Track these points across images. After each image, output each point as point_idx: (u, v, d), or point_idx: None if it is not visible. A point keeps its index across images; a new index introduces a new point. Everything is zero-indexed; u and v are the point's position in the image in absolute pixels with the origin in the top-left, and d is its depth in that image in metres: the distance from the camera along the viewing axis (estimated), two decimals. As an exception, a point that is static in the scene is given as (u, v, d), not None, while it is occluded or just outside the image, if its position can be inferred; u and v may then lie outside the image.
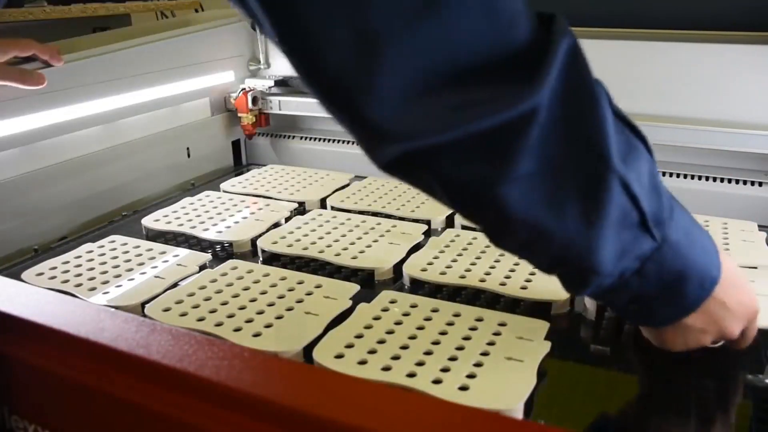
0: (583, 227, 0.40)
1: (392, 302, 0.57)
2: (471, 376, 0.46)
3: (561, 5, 0.43)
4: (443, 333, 0.52)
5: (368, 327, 0.53)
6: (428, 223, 0.79)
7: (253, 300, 0.59)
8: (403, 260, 0.67)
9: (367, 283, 0.65)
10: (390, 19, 0.35)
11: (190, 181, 1.01)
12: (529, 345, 0.50)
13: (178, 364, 0.36)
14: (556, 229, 0.40)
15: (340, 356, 0.49)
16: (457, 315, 0.55)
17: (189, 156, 1.03)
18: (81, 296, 0.61)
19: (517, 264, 0.65)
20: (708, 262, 0.45)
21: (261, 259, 0.72)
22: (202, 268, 0.67)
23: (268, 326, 0.54)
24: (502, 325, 0.53)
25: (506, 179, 0.39)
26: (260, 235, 0.74)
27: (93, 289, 0.62)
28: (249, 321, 0.55)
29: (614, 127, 0.40)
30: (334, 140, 1.08)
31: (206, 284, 0.62)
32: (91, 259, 0.69)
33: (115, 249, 0.71)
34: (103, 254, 0.70)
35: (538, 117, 0.37)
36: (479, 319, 0.54)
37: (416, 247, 0.71)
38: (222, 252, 0.74)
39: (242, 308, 0.57)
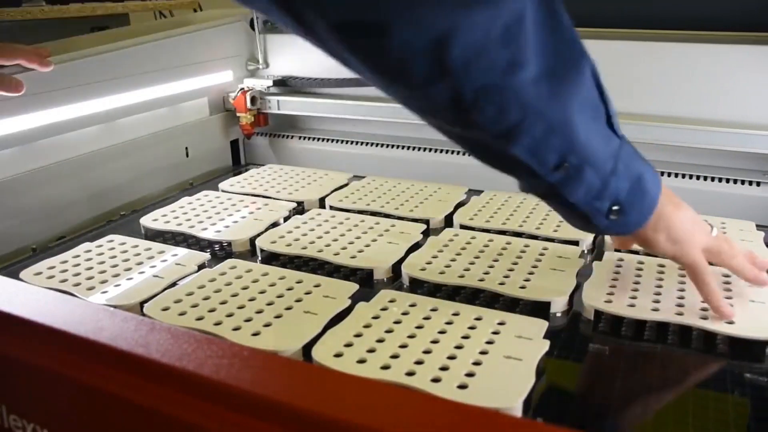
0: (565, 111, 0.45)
1: (391, 301, 0.57)
2: (470, 374, 0.46)
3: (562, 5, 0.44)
4: (442, 332, 0.52)
5: (367, 326, 0.53)
6: (427, 222, 0.78)
7: (252, 299, 0.58)
8: (401, 260, 0.67)
9: (366, 282, 0.65)
10: None
11: (188, 181, 1.01)
12: (527, 344, 0.50)
13: (177, 362, 0.35)
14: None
15: (339, 355, 0.49)
16: (456, 314, 0.55)
17: (188, 156, 1.03)
18: (80, 296, 0.61)
19: (515, 264, 0.65)
20: (648, 166, 0.51)
21: (260, 258, 0.72)
22: (200, 267, 0.67)
23: (267, 325, 0.54)
24: (501, 324, 0.53)
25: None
26: (259, 235, 0.74)
27: (92, 288, 0.62)
28: (248, 320, 0.55)
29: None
30: (332, 140, 1.08)
31: (205, 283, 0.62)
32: (90, 259, 0.69)
33: (113, 248, 0.71)
34: (102, 254, 0.70)
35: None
36: (478, 318, 0.54)
37: (415, 247, 0.70)
38: (221, 251, 0.74)
39: (241, 307, 0.57)
